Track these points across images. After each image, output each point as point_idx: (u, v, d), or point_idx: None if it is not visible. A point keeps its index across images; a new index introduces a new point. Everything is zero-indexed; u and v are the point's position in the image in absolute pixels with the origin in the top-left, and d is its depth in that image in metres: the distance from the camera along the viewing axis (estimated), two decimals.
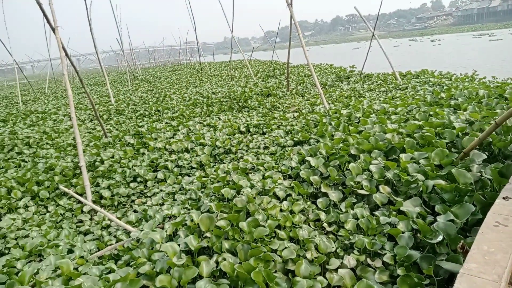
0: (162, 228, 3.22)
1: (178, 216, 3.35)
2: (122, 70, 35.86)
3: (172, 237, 3.00)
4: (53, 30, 5.46)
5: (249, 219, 2.81)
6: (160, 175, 4.59)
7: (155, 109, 9.02)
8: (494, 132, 3.88)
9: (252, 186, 3.63)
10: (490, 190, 2.75)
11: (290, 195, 3.47)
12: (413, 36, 59.92)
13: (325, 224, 2.96)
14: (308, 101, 8.36)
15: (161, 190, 4.24)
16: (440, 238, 2.26)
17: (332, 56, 31.84)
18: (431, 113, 5.06)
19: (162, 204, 3.87)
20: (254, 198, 3.32)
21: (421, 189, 3.02)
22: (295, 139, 5.27)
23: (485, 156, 3.33)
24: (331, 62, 18.22)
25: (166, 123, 7.42)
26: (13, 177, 4.90)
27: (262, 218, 2.92)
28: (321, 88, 8.57)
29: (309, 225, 3.02)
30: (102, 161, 5.18)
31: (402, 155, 3.67)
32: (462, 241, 2.08)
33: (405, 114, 5.42)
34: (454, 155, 3.52)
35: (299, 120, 6.57)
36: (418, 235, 2.45)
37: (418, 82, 8.70)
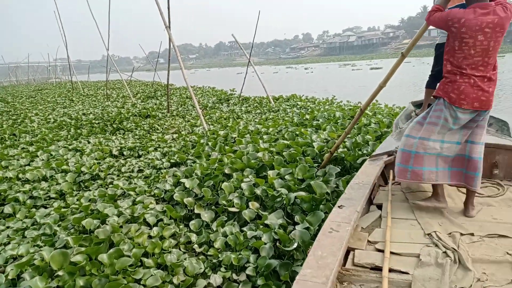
0: (3, 272, 2.70)
1: (26, 255, 2.87)
2: None
3: (16, 281, 2.54)
4: None
5: (111, 250, 2.57)
6: (7, 209, 3.89)
7: (10, 133, 7.78)
8: (346, 148, 4.49)
9: (119, 214, 3.36)
10: None
11: (161, 220, 3.32)
12: (289, 64, 66.03)
13: (195, 246, 2.91)
14: (189, 123, 8.34)
15: (7, 227, 3.59)
16: (295, 245, 2.43)
17: (216, 79, 32.77)
18: (297, 133, 5.56)
19: (7, 243, 3.26)
20: (121, 227, 3.08)
21: (284, 202, 3.23)
22: (172, 160, 5.14)
23: (338, 170, 3.78)
24: (215, 85, 18.70)
25: (23, 148, 6.45)
26: None
27: (128, 248, 2.72)
28: (202, 110, 8.66)
29: (179, 248, 2.93)
30: None
31: (270, 172, 3.91)
32: (311, 246, 2.26)
33: (276, 134, 5.83)
34: (314, 169, 3.90)
35: (178, 141, 6.47)
36: (279, 245, 2.59)
37: (288, 105, 9.52)
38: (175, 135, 7.10)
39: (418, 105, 4.27)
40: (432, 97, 2.46)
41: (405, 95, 12.67)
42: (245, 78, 12.39)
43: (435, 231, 1.98)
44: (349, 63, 49.34)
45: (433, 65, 3.86)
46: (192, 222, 3.27)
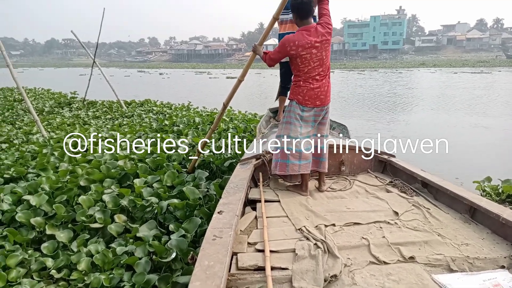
0: None
1: None
2: None
3: None
4: None
5: None
6: None
7: None
8: (212, 153, 4.61)
9: None
10: (214, 203, 3.18)
11: (2, 246, 2.73)
12: (138, 68, 62.43)
13: (53, 271, 2.51)
14: (21, 130, 7.06)
15: None
16: (173, 255, 2.37)
17: (52, 80, 28.62)
18: (158, 138, 5.40)
19: None
20: None
21: (156, 211, 3.11)
22: (6, 175, 4.25)
23: (207, 174, 3.86)
24: (51, 87, 16.33)
25: None
26: None
27: None
28: (38, 115, 7.45)
29: (32, 277, 2.48)
30: None
31: (136, 181, 3.69)
32: (192, 252, 2.24)
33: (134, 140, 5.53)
34: (184, 175, 3.88)
35: (11, 152, 5.40)
36: (155, 257, 2.48)
37: (143, 110, 9.14)
38: (5, 145, 5.89)
39: (275, 111, 4.74)
40: (288, 100, 2.89)
41: (256, 102, 13.80)
42: (89, 80, 11.27)
43: (304, 226, 2.22)
44: (204, 71, 49.09)
45: (281, 79, 4.38)
46: (45, 245, 2.79)
